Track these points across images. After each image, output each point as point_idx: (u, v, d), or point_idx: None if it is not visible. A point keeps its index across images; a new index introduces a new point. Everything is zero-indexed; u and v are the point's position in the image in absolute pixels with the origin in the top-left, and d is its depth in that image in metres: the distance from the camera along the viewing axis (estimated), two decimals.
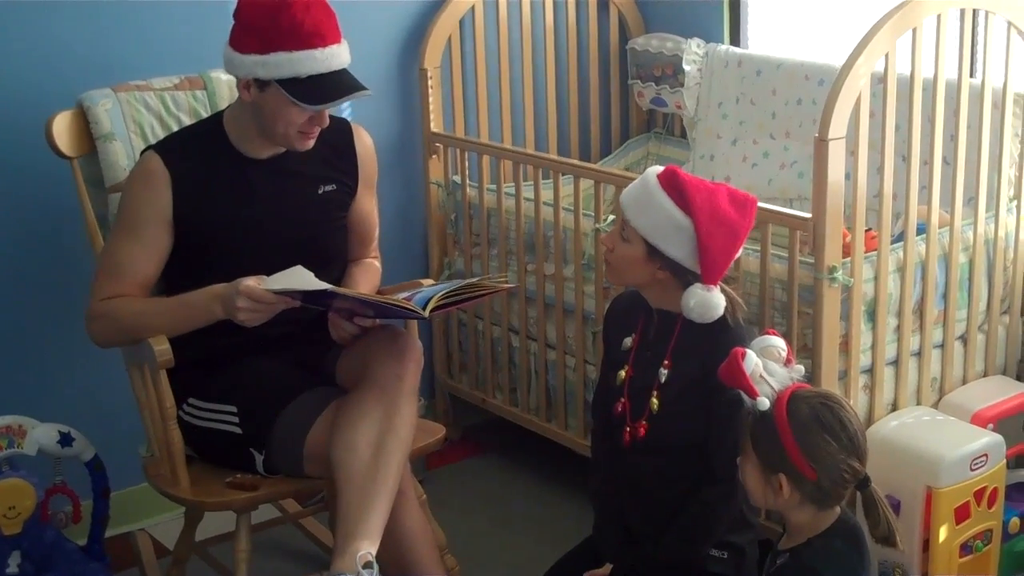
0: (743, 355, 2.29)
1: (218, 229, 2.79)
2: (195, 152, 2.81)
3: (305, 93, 2.68)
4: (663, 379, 2.56)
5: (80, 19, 3.29)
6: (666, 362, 2.57)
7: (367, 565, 2.50)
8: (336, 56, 2.70)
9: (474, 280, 2.75)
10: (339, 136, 2.95)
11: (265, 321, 2.64)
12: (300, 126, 2.74)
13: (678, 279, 2.52)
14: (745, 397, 2.30)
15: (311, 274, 2.64)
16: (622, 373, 2.64)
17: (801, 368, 2.38)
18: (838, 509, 2.33)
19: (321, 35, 2.67)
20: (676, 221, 2.48)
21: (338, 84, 2.71)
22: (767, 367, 2.32)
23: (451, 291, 2.66)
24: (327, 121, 2.78)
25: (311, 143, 2.80)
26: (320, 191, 2.91)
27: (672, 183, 2.50)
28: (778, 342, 2.39)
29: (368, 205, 3.04)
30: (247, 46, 2.69)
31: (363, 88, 2.73)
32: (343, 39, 2.73)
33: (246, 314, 2.61)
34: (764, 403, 2.26)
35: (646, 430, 2.57)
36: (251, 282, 2.61)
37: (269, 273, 2.67)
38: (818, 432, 2.24)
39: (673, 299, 2.54)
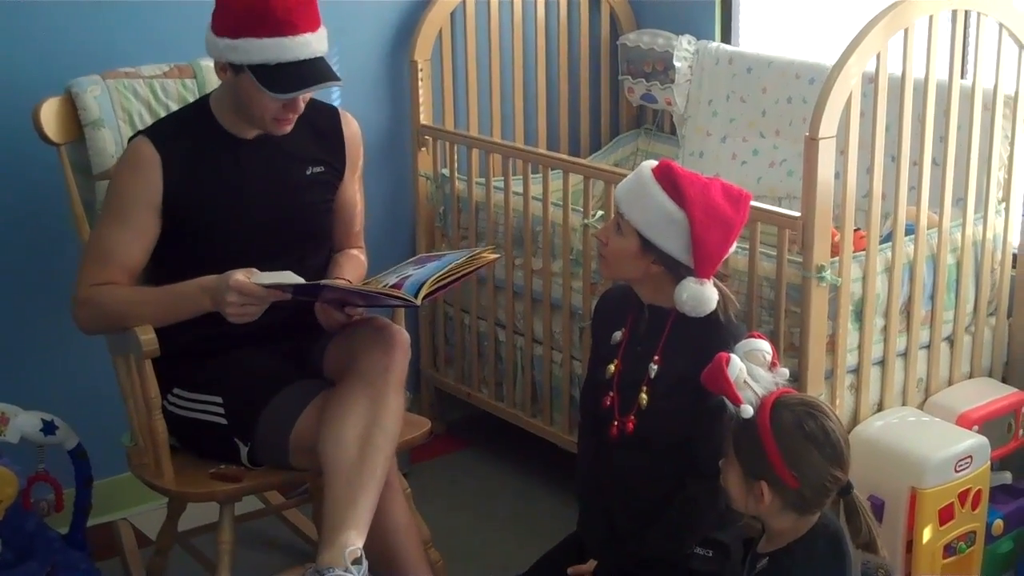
0: (727, 361, 2.28)
1: (208, 209, 2.78)
2: (185, 134, 2.80)
3: (273, 81, 2.66)
4: (653, 374, 2.56)
5: (70, 5, 3.27)
6: (656, 358, 2.57)
7: (356, 561, 2.49)
8: (307, 45, 2.67)
9: (462, 259, 2.71)
10: (326, 120, 2.95)
11: (254, 319, 2.64)
12: (274, 112, 2.73)
13: (671, 273, 2.52)
14: (728, 403, 2.29)
15: (300, 278, 2.63)
16: (611, 367, 2.63)
17: (786, 372, 2.38)
18: (819, 513, 2.32)
19: (292, 24, 2.64)
20: (670, 214, 2.48)
21: (308, 73, 2.68)
22: (751, 372, 2.31)
23: (442, 274, 2.65)
24: (302, 108, 2.76)
25: (288, 128, 2.79)
26: (308, 172, 2.90)
27: (667, 176, 2.50)
28: (763, 345, 2.39)
29: (353, 191, 3.04)
30: (222, 29, 2.68)
31: (334, 78, 2.72)
32: (321, 27, 2.71)
33: (235, 308, 2.60)
34: (747, 411, 2.26)
35: (634, 425, 2.57)
36: (241, 276, 2.60)
37: (259, 255, 2.66)
38: (801, 441, 2.23)
39: (666, 294, 2.54)
